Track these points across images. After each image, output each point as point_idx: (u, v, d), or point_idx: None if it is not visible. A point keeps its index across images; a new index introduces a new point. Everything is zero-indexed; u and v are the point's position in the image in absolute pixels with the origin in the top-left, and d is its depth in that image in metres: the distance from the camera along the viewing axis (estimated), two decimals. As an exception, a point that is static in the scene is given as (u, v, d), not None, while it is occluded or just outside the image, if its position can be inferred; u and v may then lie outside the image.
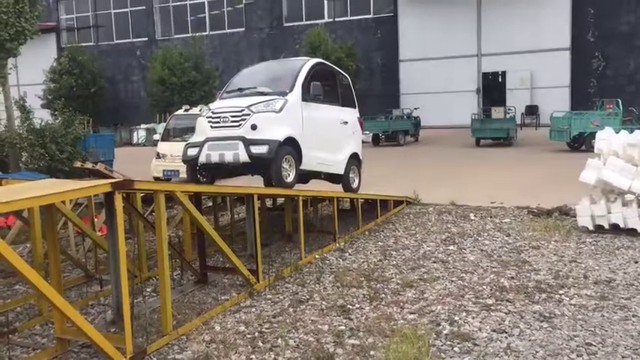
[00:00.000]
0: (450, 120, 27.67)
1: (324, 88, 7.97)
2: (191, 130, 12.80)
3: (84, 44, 34.70)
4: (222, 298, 5.72)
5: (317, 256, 7.10)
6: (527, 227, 8.25)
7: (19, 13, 14.74)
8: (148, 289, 6.13)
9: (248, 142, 6.65)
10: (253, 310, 5.34)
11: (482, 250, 7.18)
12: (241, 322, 5.02)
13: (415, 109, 25.10)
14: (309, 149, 7.31)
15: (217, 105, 7.32)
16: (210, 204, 9.07)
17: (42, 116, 15.50)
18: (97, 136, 16.95)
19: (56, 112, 19.44)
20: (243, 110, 6.84)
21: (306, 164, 7.35)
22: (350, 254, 7.24)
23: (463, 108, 27.00)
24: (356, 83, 26.67)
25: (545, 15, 26.75)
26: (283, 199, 8.90)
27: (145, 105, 31.09)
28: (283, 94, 7.11)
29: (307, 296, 5.65)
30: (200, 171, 7.38)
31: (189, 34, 31.87)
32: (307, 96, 7.34)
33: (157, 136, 15.37)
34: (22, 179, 6.88)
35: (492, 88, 28.56)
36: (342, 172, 8.28)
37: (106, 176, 10.49)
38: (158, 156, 12.68)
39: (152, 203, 8.38)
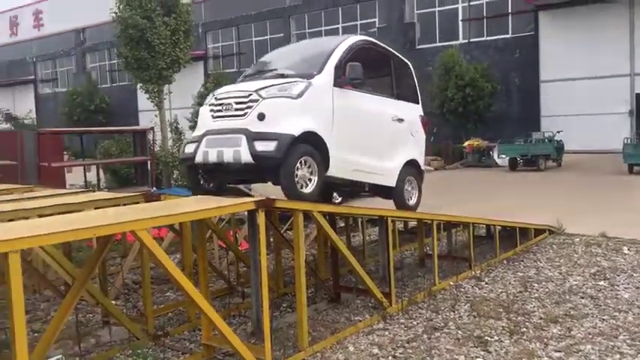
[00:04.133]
0: (596, 144, 25.62)
1: (371, 74, 6.52)
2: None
3: (227, 70, 37.30)
4: (355, 318, 5.75)
5: (452, 283, 6.89)
6: (692, 265, 7.35)
7: (175, 43, 16.33)
8: (284, 305, 6.34)
9: (252, 137, 5.03)
10: (386, 333, 5.30)
11: (638, 288, 6.51)
12: (374, 345, 5.00)
13: (558, 132, 23.60)
14: (341, 151, 5.63)
15: (223, 90, 5.80)
16: (343, 224, 9.21)
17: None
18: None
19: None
20: (250, 95, 5.27)
21: (336, 170, 5.66)
22: (487, 283, 6.93)
23: (612, 131, 24.88)
24: (492, 104, 25.85)
25: None
26: (416, 222, 8.78)
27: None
28: (308, 76, 5.50)
29: (442, 324, 5.50)
30: (203, 174, 5.87)
31: (325, 59, 32.94)
32: (342, 80, 5.70)
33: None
34: (173, 195, 7.51)
35: (647, 110, 26.03)
36: (392, 183, 6.51)
37: (245, 194, 11.12)
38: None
39: (286, 221, 8.74)
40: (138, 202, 5.84)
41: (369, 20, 32.84)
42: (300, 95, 5.27)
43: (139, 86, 17.60)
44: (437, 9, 30.83)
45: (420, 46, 31.59)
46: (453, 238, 8.86)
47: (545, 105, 28.12)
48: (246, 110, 5.22)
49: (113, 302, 5.91)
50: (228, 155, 5.14)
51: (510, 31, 29.21)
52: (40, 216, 4.94)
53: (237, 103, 5.32)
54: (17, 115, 40.05)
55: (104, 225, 3.84)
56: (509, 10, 28.72)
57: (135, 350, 4.76)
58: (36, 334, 5.45)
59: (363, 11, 33.02)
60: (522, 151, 22.55)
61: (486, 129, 25.89)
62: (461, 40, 29.84)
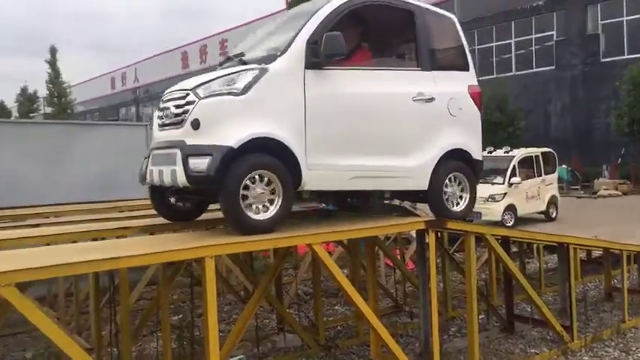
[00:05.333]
0: None
1: (381, 41, 5.20)
2: (494, 172, 12.70)
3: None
4: (532, 351, 5.40)
5: (644, 322, 6.14)
6: None
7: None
8: (452, 329, 6.17)
9: (187, 152, 3.87)
10: (567, 370, 4.89)
11: None
12: (553, 382, 4.64)
13: None
14: (324, 155, 4.23)
15: (168, 90, 4.55)
16: (516, 249, 8.71)
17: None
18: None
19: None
20: (187, 96, 4.08)
21: (320, 182, 4.27)
22: (689, 325, 6.06)
23: None
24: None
25: None
26: (601, 251, 8.00)
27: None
28: (268, 59, 4.16)
29: (634, 367, 4.92)
30: (172, 193, 4.62)
31: (494, 76, 31.77)
32: (317, 59, 4.19)
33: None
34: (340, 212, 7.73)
35: None
36: (423, 185, 4.78)
37: (411, 213, 11.06)
38: (460, 197, 12.83)
39: (454, 243, 8.52)
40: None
41: (545, 34, 30.99)
42: (246, 89, 3.96)
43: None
44: (625, 18, 28.11)
45: (605, 59, 28.97)
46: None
47: None
48: (183, 116, 4.04)
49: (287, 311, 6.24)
50: (167, 176, 4.03)
51: None
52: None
53: (175, 107, 4.16)
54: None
55: (284, 237, 4.09)
56: None
57: (308, 359, 4.97)
58: (220, 334, 5.95)
59: (539, 24, 31.25)
60: None
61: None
62: (654, 51, 26.80)
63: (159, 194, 4.58)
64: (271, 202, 3.99)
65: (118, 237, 4.44)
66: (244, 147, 3.85)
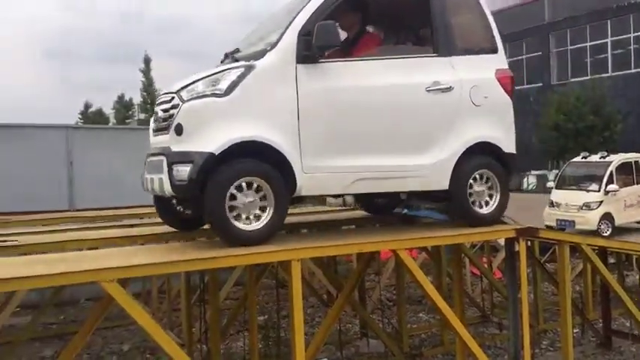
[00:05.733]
0: None
1: (389, 23, 4.72)
2: (588, 178, 12.05)
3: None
4: (632, 369, 5.05)
5: None
6: None
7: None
8: (544, 342, 5.90)
9: (171, 160, 3.67)
10: (673, 393, 4.53)
11: None
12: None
13: None
14: (321, 157, 3.89)
15: (162, 92, 4.33)
16: (613, 260, 8.19)
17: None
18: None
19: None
20: (172, 99, 3.85)
21: (319, 187, 3.97)
22: None
23: None
24: None
25: None
26: None
27: (536, 151, 30.64)
28: (259, 55, 3.85)
29: None
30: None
31: (588, 77, 30.13)
32: (310, 52, 3.84)
33: (550, 184, 14.87)
34: (427, 217, 7.61)
35: None
36: (442, 185, 4.28)
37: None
38: (552, 204, 12.27)
39: (545, 252, 8.14)
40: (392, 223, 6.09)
41: (645, 32, 29.06)
42: (230, 90, 3.68)
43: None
44: None
45: None
46: None
47: None
48: (169, 121, 3.82)
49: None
50: (156, 184, 3.83)
51: None
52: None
53: (162, 111, 3.95)
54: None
55: (370, 242, 4.09)
56: None
57: (392, 366, 4.92)
58: (304, 337, 6.02)
59: (638, 22, 29.34)
60: None
61: None
62: None
63: (162, 201, 4.26)
64: (263, 210, 3.67)
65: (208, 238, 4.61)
66: (228, 152, 3.58)
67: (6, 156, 8.81)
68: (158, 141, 3.96)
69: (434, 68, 4.31)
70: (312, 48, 3.81)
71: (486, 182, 4.41)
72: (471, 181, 4.32)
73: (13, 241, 4.25)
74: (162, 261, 3.36)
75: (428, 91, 4.21)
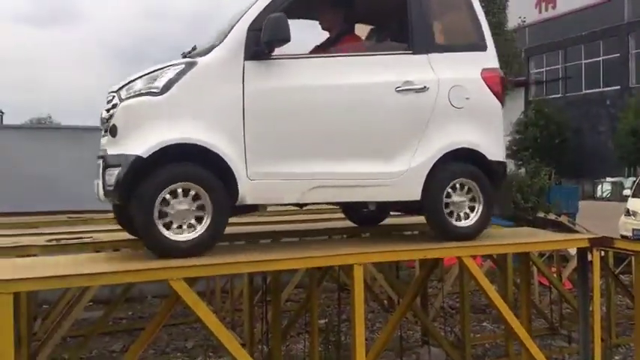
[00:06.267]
0: None
1: (366, 21, 4.45)
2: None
3: (551, 96, 35.34)
4: None
5: None
6: None
7: (498, 71, 16.25)
8: (616, 357, 5.61)
9: (105, 164, 3.47)
10: None
11: None
12: None
13: None
14: (271, 162, 3.59)
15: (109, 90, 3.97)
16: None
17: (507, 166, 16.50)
18: (560, 187, 16.84)
19: (521, 163, 20.38)
20: (113, 99, 3.63)
21: (268, 195, 3.63)
22: None
23: None
24: None
25: None
26: None
27: (612, 157, 29.22)
28: (204, 53, 3.62)
29: None
30: None
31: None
32: (258, 47, 3.55)
33: (626, 192, 14.15)
34: (494, 224, 7.40)
35: None
36: (414, 195, 3.90)
37: (569, 229, 10.26)
38: (627, 213, 11.67)
39: (620, 262, 7.72)
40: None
41: None
42: (166, 88, 3.42)
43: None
44: None
45: None
46: None
47: None
48: (109, 122, 3.58)
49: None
50: (95, 190, 3.61)
51: None
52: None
53: (105, 111, 3.70)
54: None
55: (435, 248, 4.01)
56: None
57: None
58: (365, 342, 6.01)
59: None
60: None
61: None
62: None
63: (119, 207, 3.86)
64: (200, 220, 3.38)
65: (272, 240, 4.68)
66: (158, 155, 3.30)
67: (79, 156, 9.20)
68: (102, 143, 3.72)
69: (407, 66, 3.96)
70: (262, 45, 3.52)
71: (468, 193, 4.01)
72: (449, 190, 3.94)
73: (88, 237, 4.46)
74: (228, 261, 3.43)
75: (398, 91, 3.86)
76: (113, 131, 3.45)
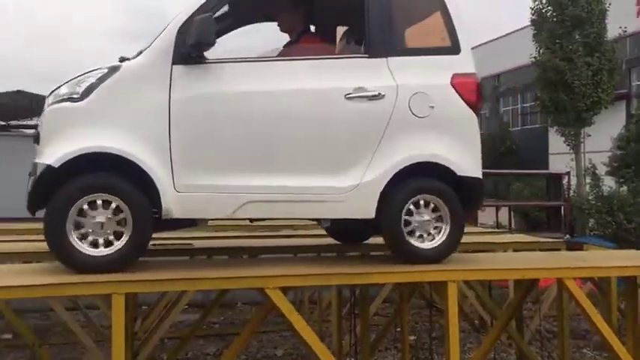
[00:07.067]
0: None
1: (324, 22, 4.16)
2: None
3: (656, 110, 32.98)
4: None
5: None
6: None
7: (597, 84, 15.43)
8: None
9: (29, 173, 3.36)
10: None
11: None
12: None
13: None
14: (201, 173, 3.34)
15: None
16: None
17: (607, 183, 15.59)
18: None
19: (622, 180, 19.13)
20: (44, 104, 3.48)
21: (196, 207, 3.36)
22: None
23: None
24: None
25: None
26: None
27: None
28: (134, 57, 3.44)
29: None
30: None
31: None
32: (185, 50, 3.32)
33: None
34: (595, 245, 6.98)
35: None
36: (366, 213, 3.54)
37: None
38: None
39: None
40: (559, 249, 5.68)
41: None
42: (86, 94, 3.24)
43: (554, 129, 17.30)
44: None
45: None
46: None
47: None
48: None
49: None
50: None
51: None
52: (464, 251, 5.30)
53: (40, 116, 3.58)
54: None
55: (533, 269, 3.87)
56: None
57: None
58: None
59: None
60: None
61: None
62: None
63: None
64: (118, 235, 3.17)
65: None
66: (72, 164, 3.11)
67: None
68: None
69: (361, 71, 3.60)
70: (190, 48, 3.30)
71: (434, 211, 3.62)
72: (411, 207, 3.56)
73: (189, 244, 4.68)
74: (322, 272, 3.48)
75: (348, 98, 3.52)
76: (36, 138, 3.37)
